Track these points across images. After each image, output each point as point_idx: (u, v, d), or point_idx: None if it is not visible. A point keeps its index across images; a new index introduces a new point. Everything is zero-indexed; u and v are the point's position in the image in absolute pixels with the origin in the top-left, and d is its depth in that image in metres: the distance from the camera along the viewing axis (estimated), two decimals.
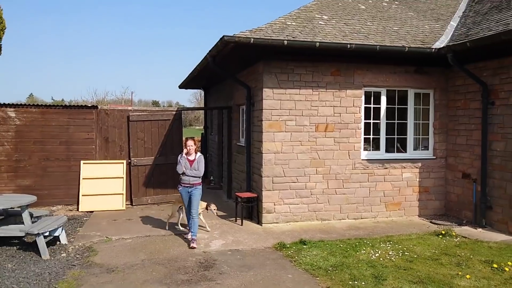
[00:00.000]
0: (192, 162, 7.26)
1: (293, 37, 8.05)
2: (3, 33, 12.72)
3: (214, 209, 8.36)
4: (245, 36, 7.71)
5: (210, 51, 8.60)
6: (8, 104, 10.04)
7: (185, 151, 7.33)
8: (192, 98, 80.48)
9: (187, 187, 7.31)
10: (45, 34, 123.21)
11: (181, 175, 7.33)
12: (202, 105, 23.45)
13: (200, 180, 7.39)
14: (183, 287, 5.42)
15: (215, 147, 14.07)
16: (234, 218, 8.92)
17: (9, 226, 6.98)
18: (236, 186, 10.72)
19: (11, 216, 7.39)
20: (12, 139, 9.97)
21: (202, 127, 17.61)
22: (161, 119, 10.83)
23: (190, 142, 7.31)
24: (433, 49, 8.66)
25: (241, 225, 8.53)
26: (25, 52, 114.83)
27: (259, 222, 8.67)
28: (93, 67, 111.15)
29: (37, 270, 6.00)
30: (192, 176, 7.26)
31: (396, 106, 9.43)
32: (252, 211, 8.99)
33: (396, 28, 9.58)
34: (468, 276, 5.72)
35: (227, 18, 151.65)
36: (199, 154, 7.43)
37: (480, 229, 8.26)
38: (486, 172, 8.42)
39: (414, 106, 9.54)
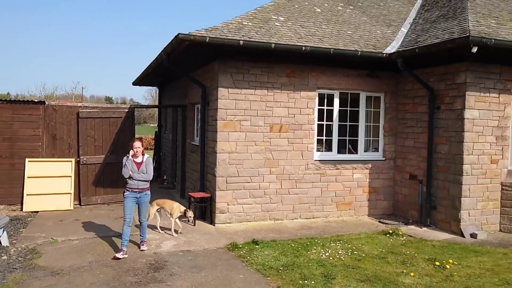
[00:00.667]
0: (139, 165, 6.69)
1: (249, 38, 8.06)
2: None
3: (191, 217, 8.10)
4: (200, 35, 7.63)
5: (164, 48, 8.46)
6: None
7: (131, 152, 6.69)
8: (148, 95, 78.88)
9: (135, 192, 6.70)
10: None
11: (127, 179, 6.70)
12: (157, 103, 23.03)
13: (149, 185, 6.88)
14: None
15: (169, 146, 13.86)
16: (187, 219, 8.80)
17: None
18: (190, 186, 10.61)
19: None
20: None
21: (157, 125, 17.30)
22: (113, 117, 10.52)
23: (137, 144, 6.74)
24: (384, 54, 8.93)
25: (194, 225, 8.43)
26: None
27: (212, 222, 8.62)
28: (42, 59, 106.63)
29: None
30: (140, 180, 6.68)
31: (349, 109, 9.66)
32: (205, 211, 8.92)
33: (350, 32, 9.81)
34: (412, 274, 5.95)
35: (186, 14, 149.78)
36: (146, 156, 6.87)
37: (425, 228, 8.61)
38: (431, 173, 8.79)
39: (365, 109, 9.81)
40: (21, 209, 9.51)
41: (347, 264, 6.32)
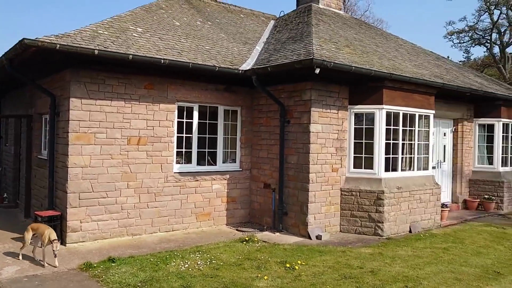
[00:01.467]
0: None
1: (105, 47, 7.75)
2: None
3: (56, 250, 6.68)
4: (49, 41, 7.09)
5: (6, 53, 7.68)
6: None
7: None
8: None
9: None
10: None
11: None
12: None
13: None
14: None
15: (11, 160, 12.42)
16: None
17: None
18: (37, 204, 9.67)
19: None
20: None
21: None
22: None
23: None
24: (240, 71, 9.42)
25: (41, 247, 7.70)
26: None
27: (62, 242, 7.97)
28: None
29: None
30: None
31: (208, 121, 9.93)
32: (55, 230, 8.19)
33: (208, 48, 10.11)
34: (266, 277, 6.36)
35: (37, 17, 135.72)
36: None
37: (277, 233, 9.26)
38: (283, 182, 9.52)
39: (224, 122, 10.20)
40: None
41: (205, 274, 6.47)
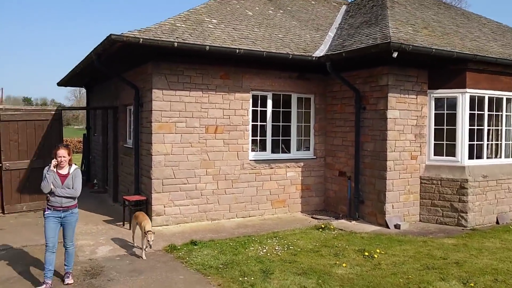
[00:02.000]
0: (64, 178, 5.53)
1: (183, 39, 8.07)
2: None
3: (150, 241, 6.64)
4: (133, 36, 7.52)
5: (95, 49, 8.22)
6: None
7: (54, 163, 5.51)
8: (71, 95, 75.29)
9: (58, 210, 5.54)
10: None
11: (48, 195, 5.55)
12: (83, 104, 22.15)
13: (76, 202, 5.72)
14: None
15: (99, 149, 13.39)
16: (122, 223, 8.64)
17: None
18: (124, 189, 10.37)
19: None
20: None
21: (81, 127, 16.62)
22: (39, 119, 9.99)
23: (62, 152, 5.53)
24: (314, 57, 9.35)
25: (130, 229, 8.26)
26: None
27: None
28: None
29: None
30: (64, 197, 5.52)
31: (281, 109, 9.99)
32: None
33: (281, 36, 10.13)
34: (344, 265, 6.34)
35: (108, 14, 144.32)
36: (74, 167, 5.69)
37: (354, 222, 9.15)
38: (359, 170, 9.35)
39: (297, 110, 10.20)
40: None
41: (284, 259, 6.58)
